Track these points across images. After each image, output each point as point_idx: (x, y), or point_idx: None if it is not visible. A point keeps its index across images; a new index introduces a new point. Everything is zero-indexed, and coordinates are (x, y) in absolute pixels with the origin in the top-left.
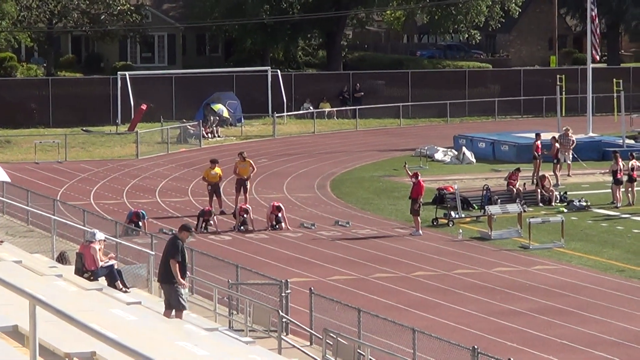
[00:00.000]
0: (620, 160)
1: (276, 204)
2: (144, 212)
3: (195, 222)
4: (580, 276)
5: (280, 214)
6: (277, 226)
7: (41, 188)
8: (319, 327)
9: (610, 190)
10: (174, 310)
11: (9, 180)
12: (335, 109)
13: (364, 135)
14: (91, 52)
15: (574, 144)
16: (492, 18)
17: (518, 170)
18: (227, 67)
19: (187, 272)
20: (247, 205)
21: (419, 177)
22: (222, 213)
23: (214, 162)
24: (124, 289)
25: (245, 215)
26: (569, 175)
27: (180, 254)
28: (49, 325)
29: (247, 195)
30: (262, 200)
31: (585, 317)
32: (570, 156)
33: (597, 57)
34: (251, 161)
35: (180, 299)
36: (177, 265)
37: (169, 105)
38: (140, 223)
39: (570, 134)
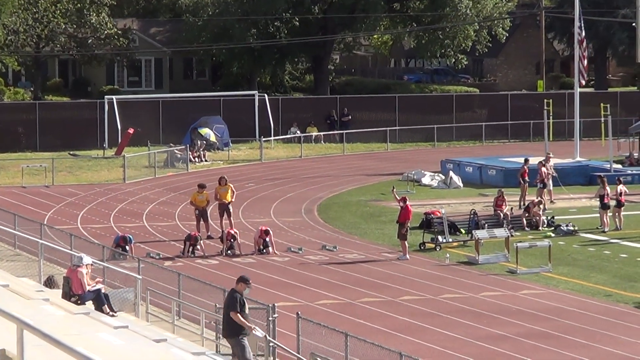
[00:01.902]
0: (606, 184)
1: (264, 228)
2: (130, 236)
3: (182, 247)
4: (567, 301)
5: (268, 238)
6: (264, 250)
7: (28, 212)
8: (306, 351)
9: (597, 215)
10: None
11: None
12: (322, 133)
13: (351, 159)
14: (78, 76)
15: (551, 168)
16: (479, 42)
17: (501, 192)
18: (214, 91)
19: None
20: (235, 231)
21: (407, 202)
22: (210, 238)
23: (201, 186)
24: (111, 313)
25: (232, 241)
26: (551, 201)
27: (239, 304)
28: (37, 349)
29: (232, 219)
30: (249, 224)
31: (572, 342)
32: (551, 181)
33: (583, 82)
34: (231, 185)
35: (246, 351)
36: (239, 315)
37: (156, 129)
38: (127, 247)
39: (550, 160)
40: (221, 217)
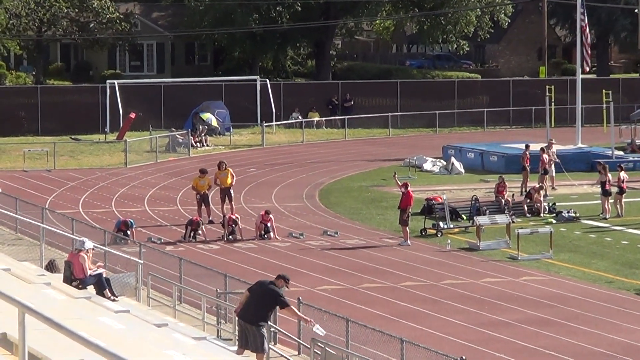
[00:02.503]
0: (607, 171)
1: (265, 212)
2: (132, 221)
3: (184, 231)
4: (568, 287)
5: (269, 223)
6: (265, 236)
7: (30, 196)
8: (307, 336)
9: (599, 202)
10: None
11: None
12: (324, 118)
13: (352, 145)
14: (80, 60)
15: (554, 154)
16: (482, 28)
17: (502, 178)
18: (216, 76)
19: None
20: (236, 216)
21: (409, 188)
22: (211, 222)
23: (203, 172)
24: (112, 297)
25: (234, 226)
26: (553, 187)
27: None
28: (38, 333)
29: (233, 204)
30: (251, 209)
31: (573, 328)
32: (554, 168)
33: (588, 69)
34: (231, 170)
35: (265, 342)
36: (292, 308)
37: (157, 114)
38: (129, 232)
39: (553, 146)
40: (222, 202)
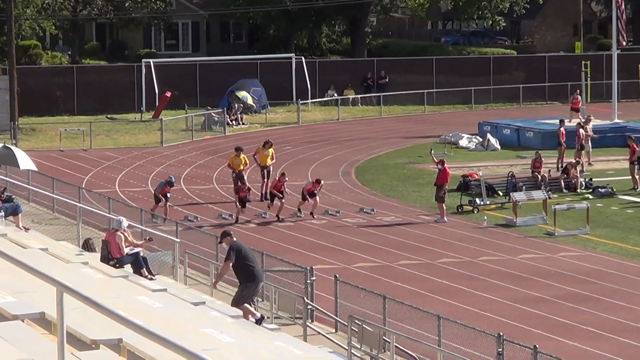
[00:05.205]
0: (635, 144)
1: (312, 188)
2: (172, 177)
3: (235, 215)
4: (605, 263)
5: (316, 190)
6: (300, 213)
7: (66, 176)
8: (344, 314)
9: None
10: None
11: (35, 169)
12: (359, 95)
13: (388, 122)
14: (115, 39)
15: (590, 130)
16: (517, 4)
17: (538, 154)
18: (251, 54)
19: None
20: (275, 192)
21: (445, 164)
22: (247, 200)
23: (238, 150)
24: (149, 276)
25: (279, 199)
26: (589, 163)
27: None
28: (75, 312)
29: (269, 180)
30: (287, 187)
31: (611, 304)
32: (590, 144)
33: (624, 43)
34: (273, 151)
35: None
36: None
37: (193, 92)
38: (169, 194)
39: (590, 122)
40: (263, 178)
